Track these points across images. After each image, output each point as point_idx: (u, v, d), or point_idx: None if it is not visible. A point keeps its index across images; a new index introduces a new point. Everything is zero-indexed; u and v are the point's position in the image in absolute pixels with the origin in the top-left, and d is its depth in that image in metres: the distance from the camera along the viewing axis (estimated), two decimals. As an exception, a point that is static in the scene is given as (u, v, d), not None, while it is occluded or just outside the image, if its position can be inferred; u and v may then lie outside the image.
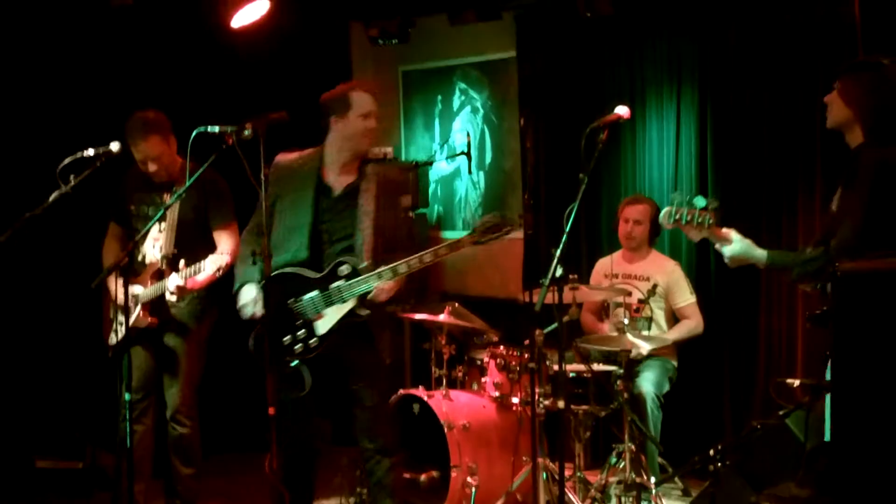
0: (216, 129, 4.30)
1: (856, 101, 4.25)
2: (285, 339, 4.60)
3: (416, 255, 4.48)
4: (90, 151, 5.06)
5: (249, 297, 4.69)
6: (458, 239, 4.54)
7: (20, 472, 6.03)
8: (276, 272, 4.57)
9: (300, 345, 4.59)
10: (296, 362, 4.59)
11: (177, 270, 4.99)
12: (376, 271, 4.50)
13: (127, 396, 4.46)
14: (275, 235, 4.67)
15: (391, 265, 4.48)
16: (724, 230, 4.27)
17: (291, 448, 4.64)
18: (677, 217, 4.18)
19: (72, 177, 4.94)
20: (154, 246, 5.27)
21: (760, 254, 4.26)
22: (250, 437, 6.29)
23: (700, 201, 4.20)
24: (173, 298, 5.06)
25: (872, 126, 4.19)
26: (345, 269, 4.55)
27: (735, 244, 4.25)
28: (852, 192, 4.21)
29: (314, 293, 4.59)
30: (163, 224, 5.24)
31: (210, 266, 4.93)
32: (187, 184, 4.49)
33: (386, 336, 4.74)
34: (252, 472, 6.25)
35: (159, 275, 5.17)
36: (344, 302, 4.55)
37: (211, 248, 5.20)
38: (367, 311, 4.56)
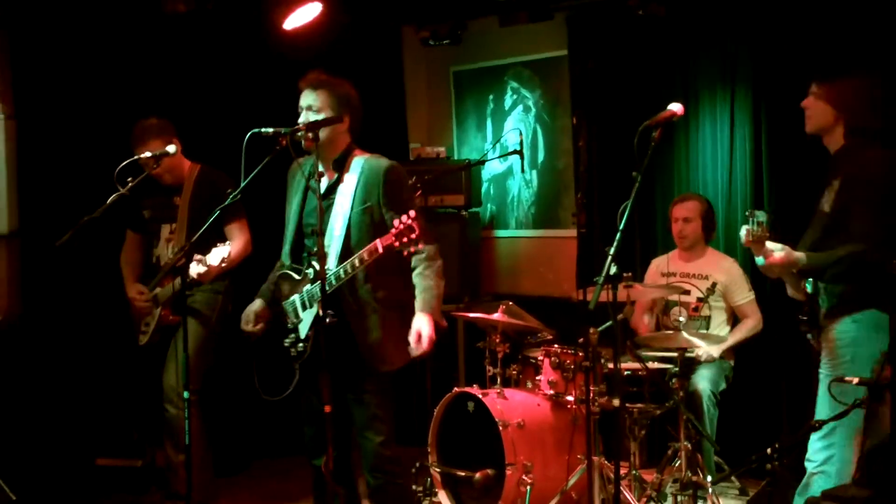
0: (270, 130, 4.29)
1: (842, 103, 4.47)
2: (286, 340, 4.57)
3: (356, 255, 4.30)
4: (147, 154, 5.16)
5: (245, 313, 4.66)
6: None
7: (81, 470, 6.12)
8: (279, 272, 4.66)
9: (293, 348, 4.56)
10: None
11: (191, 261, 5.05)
12: (333, 271, 4.36)
13: (185, 395, 4.56)
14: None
15: (339, 266, 4.36)
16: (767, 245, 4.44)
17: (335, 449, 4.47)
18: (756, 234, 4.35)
19: (129, 179, 5.03)
20: (168, 248, 5.33)
21: (800, 255, 4.41)
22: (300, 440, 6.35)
23: (761, 215, 4.37)
24: (201, 269, 4.94)
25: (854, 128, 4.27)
26: (311, 273, 4.50)
27: (779, 252, 4.40)
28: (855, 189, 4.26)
29: (295, 296, 4.57)
30: (173, 225, 5.29)
31: (214, 259, 4.89)
32: (242, 185, 4.49)
33: (381, 343, 4.51)
34: (302, 474, 6.31)
35: (175, 272, 5.22)
36: (312, 306, 4.49)
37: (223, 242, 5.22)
38: (333, 317, 4.21)
